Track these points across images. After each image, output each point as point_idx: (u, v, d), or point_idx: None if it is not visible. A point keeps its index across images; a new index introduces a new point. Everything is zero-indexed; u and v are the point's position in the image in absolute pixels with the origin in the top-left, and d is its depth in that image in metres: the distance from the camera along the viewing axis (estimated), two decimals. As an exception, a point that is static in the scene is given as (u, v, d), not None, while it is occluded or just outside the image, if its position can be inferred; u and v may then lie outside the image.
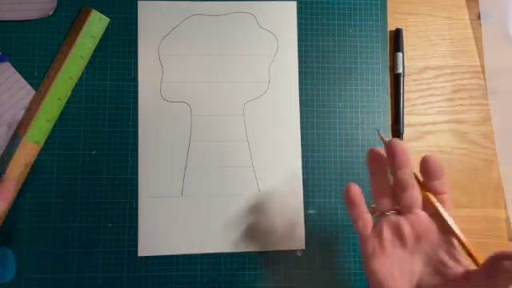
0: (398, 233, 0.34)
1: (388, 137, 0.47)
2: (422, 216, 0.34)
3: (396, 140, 0.35)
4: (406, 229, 0.34)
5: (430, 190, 0.35)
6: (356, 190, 0.35)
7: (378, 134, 0.38)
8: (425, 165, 0.34)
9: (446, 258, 0.34)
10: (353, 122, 0.49)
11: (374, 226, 0.35)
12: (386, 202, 0.35)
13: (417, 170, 0.35)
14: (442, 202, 0.35)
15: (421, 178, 0.35)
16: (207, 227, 0.46)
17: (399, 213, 0.35)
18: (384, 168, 0.36)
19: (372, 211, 0.36)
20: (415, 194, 0.34)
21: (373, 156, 0.36)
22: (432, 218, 0.34)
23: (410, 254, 0.34)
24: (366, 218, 0.35)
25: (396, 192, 0.35)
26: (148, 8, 0.48)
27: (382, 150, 0.35)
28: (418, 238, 0.34)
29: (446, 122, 0.50)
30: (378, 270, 0.34)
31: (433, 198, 0.35)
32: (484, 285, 0.31)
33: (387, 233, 0.34)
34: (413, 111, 0.50)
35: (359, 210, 0.35)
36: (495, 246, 0.48)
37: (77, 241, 0.45)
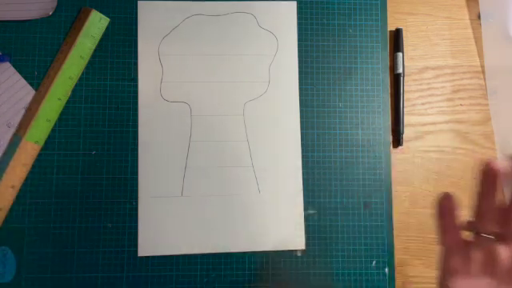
0: (491, 259, 0.30)
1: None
2: None
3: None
4: (503, 257, 0.30)
5: None
6: (452, 200, 0.32)
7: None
8: None
9: None
10: (353, 121, 0.49)
11: (464, 243, 0.32)
12: (488, 223, 0.31)
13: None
14: None
15: None
16: (207, 227, 0.46)
17: (499, 237, 0.31)
18: (497, 185, 0.31)
19: (467, 227, 0.33)
20: None
21: (490, 170, 0.31)
22: None
23: (497, 284, 0.30)
24: (456, 232, 0.32)
25: (507, 214, 0.31)
26: (148, 8, 0.48)
27: (501, 165, 0.31)
28: None
29: (446, 122, 0.50)
30: None
31: None
32: None
33: (478, 255, 0.31)
34: (413, 111, 0.50)
35: (450, 222, 0.32)
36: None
37: (77, 241, 0.45)
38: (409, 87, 0.50)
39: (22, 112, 0.45)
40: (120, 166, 0.46)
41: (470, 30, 0.52)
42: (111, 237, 0.45)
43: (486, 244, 0.31)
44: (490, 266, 0.30)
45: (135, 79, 0.47)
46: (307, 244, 0.46)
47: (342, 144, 0.48)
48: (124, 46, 0.48)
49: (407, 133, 0.49)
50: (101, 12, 0.47)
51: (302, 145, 0.48)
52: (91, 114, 0.47)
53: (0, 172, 0.43)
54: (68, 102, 0.46)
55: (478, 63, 0.51)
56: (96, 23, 0.47)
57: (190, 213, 0.46)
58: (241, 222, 0.46)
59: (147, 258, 0.45)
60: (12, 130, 0.45)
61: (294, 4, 0.50)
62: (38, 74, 0.46)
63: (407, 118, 0.50)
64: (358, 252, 0.47)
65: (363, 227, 0.47)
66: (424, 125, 0.50)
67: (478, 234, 0.32)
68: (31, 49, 0.47)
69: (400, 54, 0.50)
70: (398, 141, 0.49)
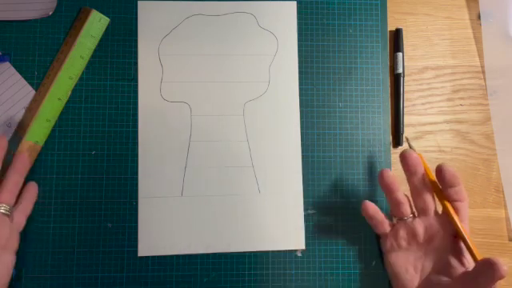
0: (413, 233, 0.41)
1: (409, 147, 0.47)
2: (434, 219, 0.40)
3: (409, 150, 0.41)
4: (419, 230, 0.41)
5: (447, 197, 0.40)
6: (371, 206, 0.43)
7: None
8: (439, 173, 0.39)
9: (452, 259, 0.39)
10: (353, 121, 0.49)
11: (393, 228, 0.43)
12: (402, 210, 0.42)
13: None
14: (456, 208, 0.39)
15: (440, 186, 0.40)
16: (207, 227, 0.46)
17: (416, 217, 0.42)
18: (396, 184, 0.42)
19: (390, 216, 0.43)
20: (428, 199, 0.40)
21: (385, 176, 0.42)
22: (447, 222, 0.40)
23: (423, 252, 0.41)
24: (384, 223, 0.43)
25: (412, 197, 0.42)
26: (148, 8, 0.48)
27: (389, 172, 0.42)
28: (430, 238, 0.41)
29: (446, 122, 0.50)
30: (394, 262, 0.42)
31: (446, 204, 0.39)
32: (470, 282, 0.37)
33: (403, 232, 0.42)
34: (413, 111, 0.50)
35: (377, 219, 0.43)
36: (495, 246, 0.48)
37: (77, 241, 0.45)
38: (409, 87, 0.50)
39: (22, 112, 0.45)
40: (120, 166, 0.46)
41: (470, 30, 0.52)
42: (111, 237, 0.45)
43: (407, 223, 0.42)
44: (413, 239, 0.41)
45: (135, 79, 0.47)
46: (307, 244, 0.46)
47: (341, 144, 0.48)
48: (124, 46, 0.48)
49: (407, 133, 0.49)
50: (101, 12, 0.47)
51: (302, 145, 0.48)
52: (91, 114, 0.47)
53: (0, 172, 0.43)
54: (68, 101, 0.46)
55: (478, 63, 0.51)
56: (96, 23, 0.47)
57: (189, 213, 0.46)
58: (241, 222, 0.46)
59: (147, 257, 0.45)
60: (12, 130, 0.45)
61: (294, 4, 0.50)
62: (37, 74, 0.46)
63: (407, 118, 0.50)
64: (358, 252, 0.47)
65: (363, 227, 0.47)
66: (424, 125, 0.50)
67: (400, 219, 0.42)
68: (31, 49, 0.47)
69: (400, 54, 0.50)
70: (398, 141, 0.49)
